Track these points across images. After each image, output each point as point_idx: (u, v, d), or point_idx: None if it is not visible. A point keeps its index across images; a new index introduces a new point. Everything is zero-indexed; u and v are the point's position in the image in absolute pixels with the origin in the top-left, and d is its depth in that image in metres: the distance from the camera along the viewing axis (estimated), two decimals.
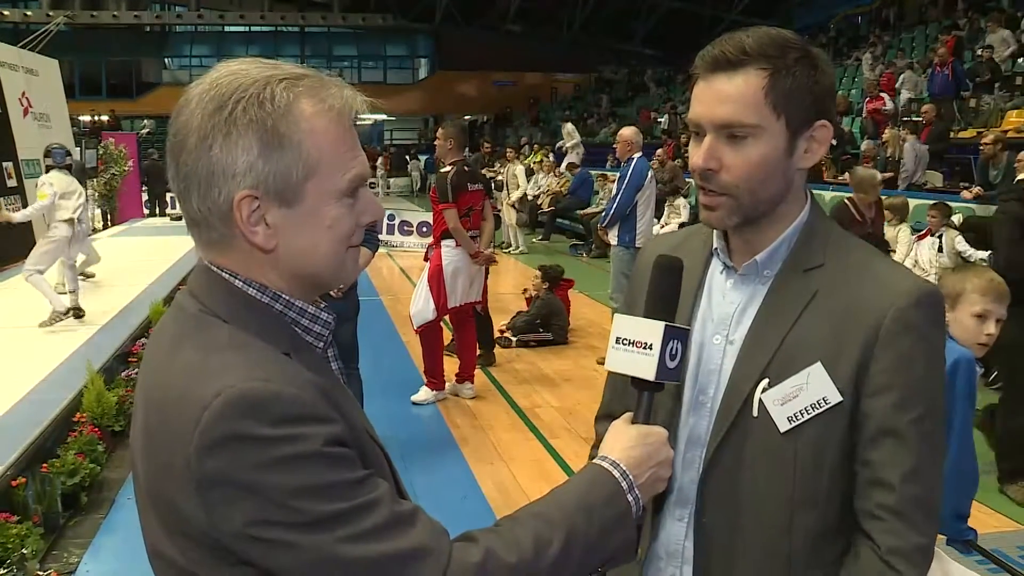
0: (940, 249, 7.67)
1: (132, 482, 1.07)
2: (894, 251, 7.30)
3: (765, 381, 1.24)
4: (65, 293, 7.67)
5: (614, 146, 7.23)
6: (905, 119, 12.79)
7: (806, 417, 1.21)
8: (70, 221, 7.65)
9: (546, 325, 7.83)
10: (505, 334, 7.73)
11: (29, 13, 29.48)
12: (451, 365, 6.28)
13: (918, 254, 7.58)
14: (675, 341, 1.20)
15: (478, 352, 6.60)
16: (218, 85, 0.99)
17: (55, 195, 7.58)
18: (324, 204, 1.02)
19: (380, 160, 28.96)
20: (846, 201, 6.58)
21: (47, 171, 8.11)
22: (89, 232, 8.35)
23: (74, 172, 9.68)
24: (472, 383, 6.26)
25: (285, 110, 0.99)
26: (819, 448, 1.22)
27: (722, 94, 1.21)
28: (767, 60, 1.20)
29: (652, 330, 1.20)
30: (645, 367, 1.20)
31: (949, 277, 2.72)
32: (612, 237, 6.95)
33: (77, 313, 7.49)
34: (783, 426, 1.22)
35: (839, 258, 1.27)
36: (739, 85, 1.20)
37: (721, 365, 1.30)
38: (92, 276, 9.86)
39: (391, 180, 29.00)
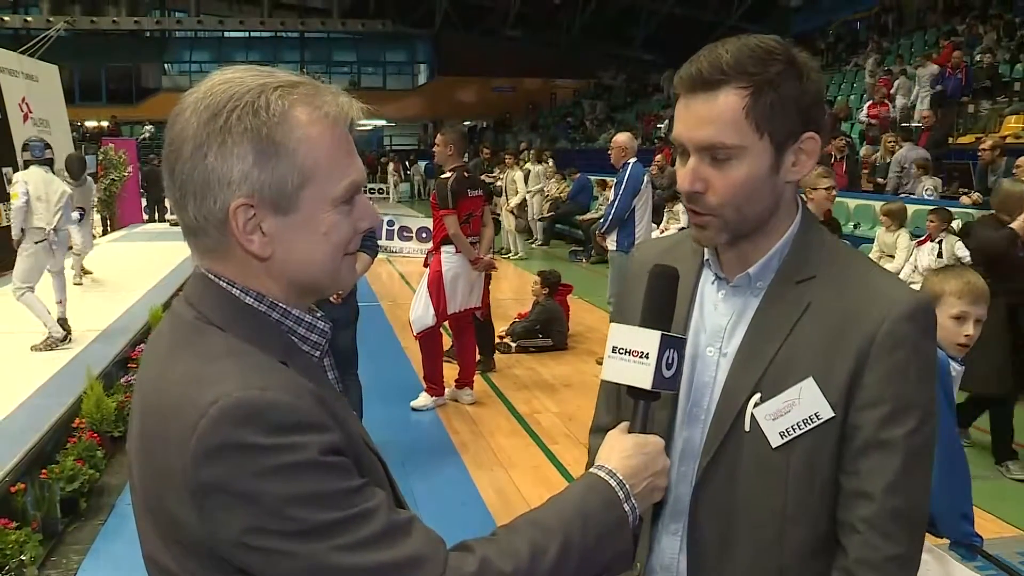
0: (940, 255, 7.66)
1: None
2: (892, 256, 7.26)
3: (757, 396, 1.22)
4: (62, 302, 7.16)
5: (609, 152, 7.24)
6: (904, 124, 12.79)
7: (798, 432, 1.20)
8: (44, 233, 6.72)
9: (546, 331, 7.83)
10: (505, 340, 7.73)
11: (29, 19, 29.57)
12: (451, 371, 6.27)
13: (918, 260, 7.57)
14: (671, 350, 1.20)
15: (478, 358, 6.60)
16: (213, 93, 0.99)
17: (26, 195, 6.61)
18: (320, 212, 1.01)
19: (392, 166, 28.75)
20: (986, 220, 5.85)
21: (25, 166, 7.03)
22: (67, 243, 7.37)
23: (80, 178, 9.51)
24: (472, 389, 6.25)
25: (280, 118, 0.98)
26: (811, 462, 1.20)
27: (702, 115, 1.18)
28: (747, 77, 1.16)
29: (648, 339, 1.19)
30: (641, 376, 1.19)
31: (931, 279, 2.75)
32: (611, 242, 6.97)
33: (66, 330, 6.88)
34: (775, 441, 1.21)
35: (832, 269, 1.25)
36: (718, 106, 1.17)
37: (715, 377, 1.28)
38: (90, 272, 9.77)
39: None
